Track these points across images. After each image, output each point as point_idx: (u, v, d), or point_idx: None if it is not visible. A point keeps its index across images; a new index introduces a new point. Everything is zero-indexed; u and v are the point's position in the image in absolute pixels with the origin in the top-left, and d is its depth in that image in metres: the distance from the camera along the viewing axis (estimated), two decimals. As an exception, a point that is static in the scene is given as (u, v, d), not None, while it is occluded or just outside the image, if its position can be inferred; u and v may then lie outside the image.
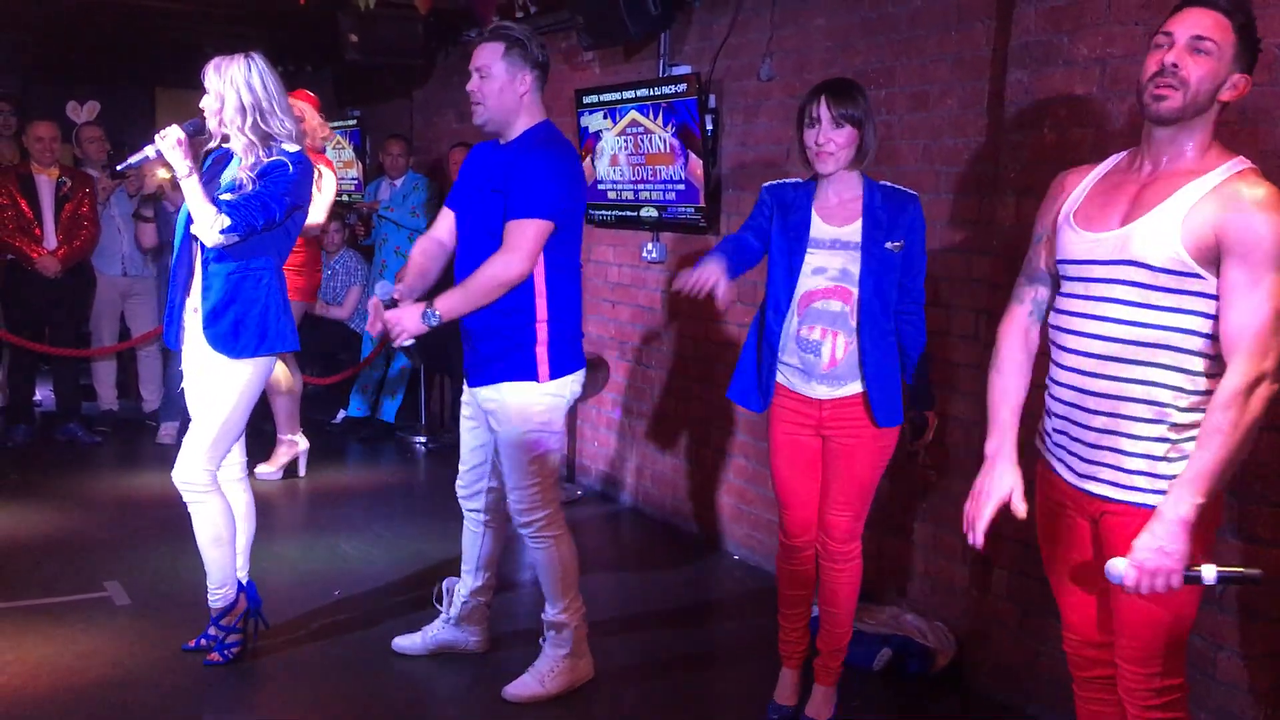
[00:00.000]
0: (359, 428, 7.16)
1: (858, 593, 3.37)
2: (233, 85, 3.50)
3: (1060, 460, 2.41)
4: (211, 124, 3.56)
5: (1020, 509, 2.46)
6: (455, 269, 3.49)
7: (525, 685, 3.53)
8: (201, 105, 3.57)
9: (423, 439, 7.07)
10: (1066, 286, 2.37)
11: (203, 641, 3.79)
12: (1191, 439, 2.19)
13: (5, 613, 4.08)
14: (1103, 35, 3.28)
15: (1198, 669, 3.09)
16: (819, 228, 3.19)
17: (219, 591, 3.72)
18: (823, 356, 3.15)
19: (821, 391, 3.19)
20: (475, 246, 3.37)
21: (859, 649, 3.84)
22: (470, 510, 3.73)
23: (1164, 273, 2.17)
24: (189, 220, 3.53)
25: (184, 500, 3.66)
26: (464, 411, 3.64)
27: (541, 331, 3.32)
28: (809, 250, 3.17)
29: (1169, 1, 3.11)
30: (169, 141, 3.48)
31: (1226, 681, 3.03)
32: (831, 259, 3.15)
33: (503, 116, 3.34)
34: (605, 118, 5.59)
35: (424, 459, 6.83)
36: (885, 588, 4.27)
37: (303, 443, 6.07)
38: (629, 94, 5.40)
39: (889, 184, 3.25)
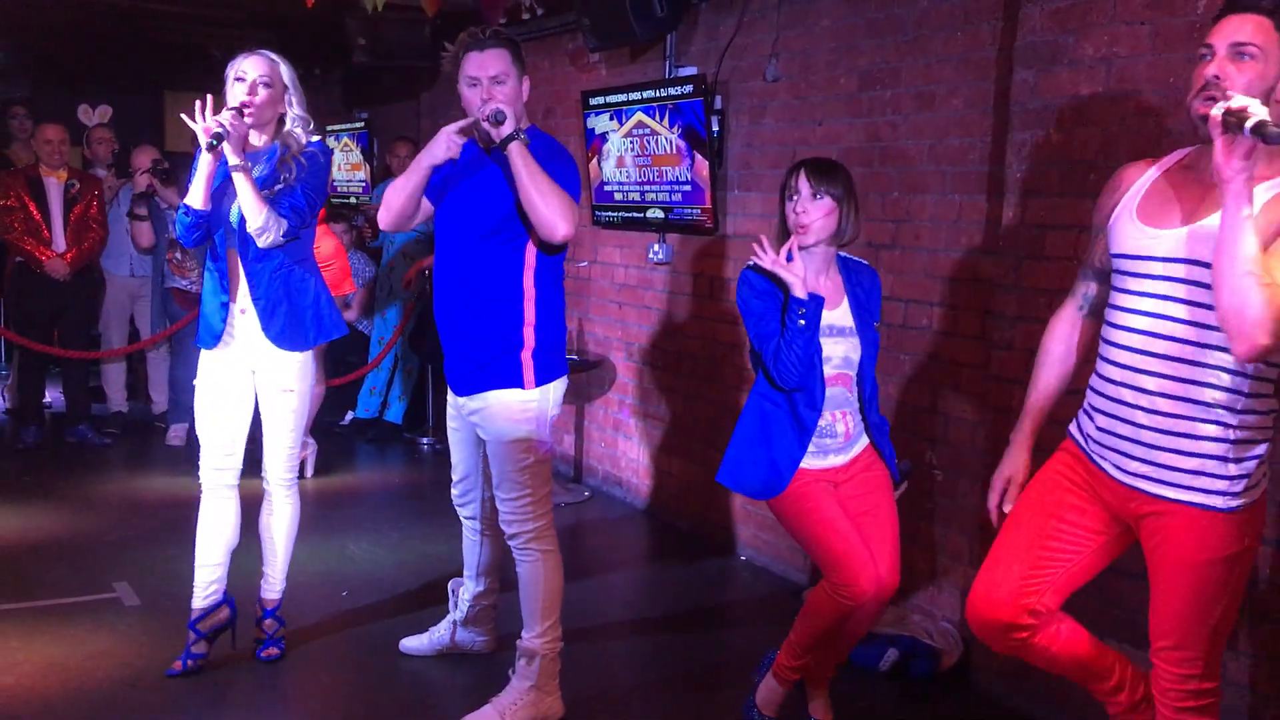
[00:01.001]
0: (366, 429, 7.18)
1: None
2: (284, 68, 3.53)
3: (1106, 458, 2.39)
4: (256, 119, 3.47)
5: (1006, 506, 2.53)
6: (436, 270, 3.41)
7: (485, 717, 3.33)
8: (239, 95, 3.45)
9: (430, 440, 7.08)
10: (1121, 282, 2.36)
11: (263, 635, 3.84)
12: (1249, 440, 2.22)
13: (15, 613, 4.10)
14: (1108, 35, 3.28)
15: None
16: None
17: (281, 585, 3.84)
18: (838, 436, 3.14)
19: (835, 461, 3.16)
20: (464, 251, 3.28)
21: (865, 650, 3.84)
22: (467, 519, 3.71)
23: None
24: (226, 221, 3.49)
25: (272, 498, 3.75)
26: (450, 423, 3.58)
27: (529, 337, 3.26)
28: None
29: (1175, 1, 3.14)
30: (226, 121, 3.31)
31: (1235, 682, 3.03)
32: (835, 347, 3.09)
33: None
34: (611, 119, 5.60)
35: (431, 460, 6.84)
36: (892, 588, 4.26)
37: (311, 444, 6.09)
38: (635, 95, 5.41)
39: (848, 257, 3.21)
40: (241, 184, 3.36)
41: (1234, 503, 2.24)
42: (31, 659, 3.72)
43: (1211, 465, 2.23)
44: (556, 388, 3.34)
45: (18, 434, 6.70)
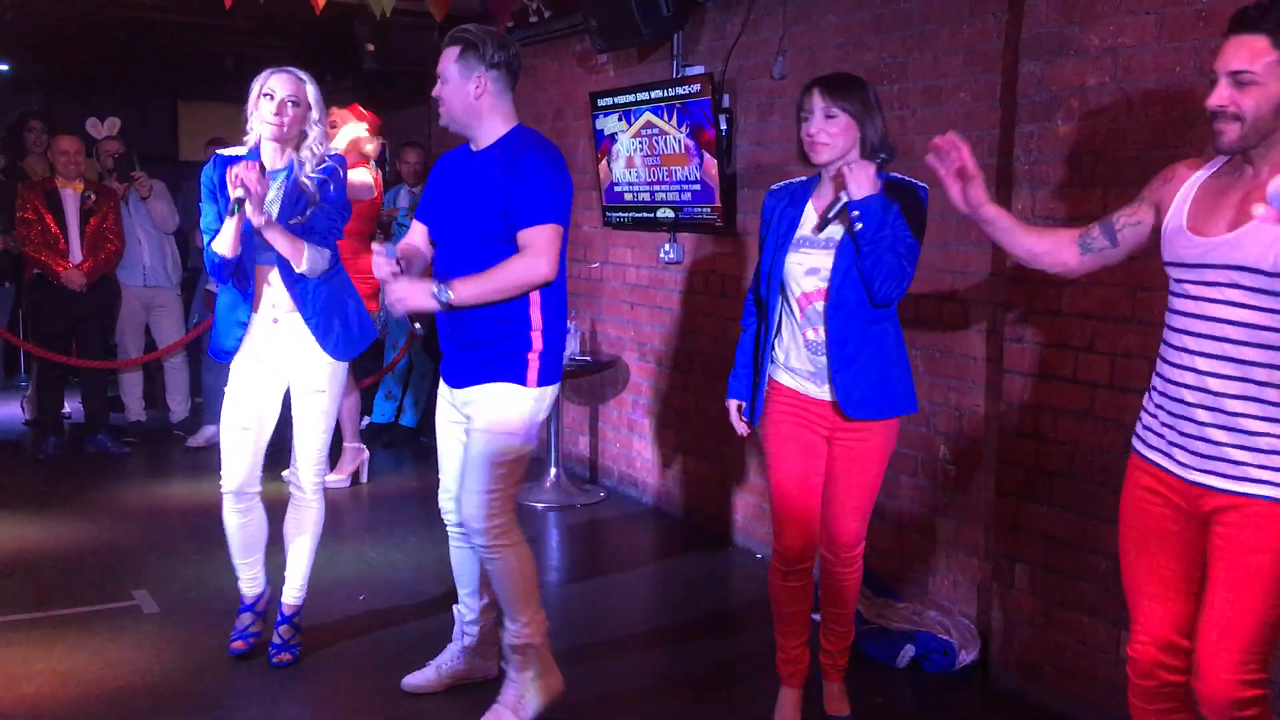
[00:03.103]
0: (382, 433, 7.20)
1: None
2: (310, 86, 3.59)
3: (1170, 456, 2.41)
4: (265, 129, 3.53)
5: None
6: (436, 270, 3.37)
7: (499, 717, 3.31)
8: (267, 112, 3.51)
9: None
10: (1179, 289, 2.40)
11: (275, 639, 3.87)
12: None
13: (35, 622, 4.13)
14: (1114, 25, 3.27)
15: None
16: (811, 226, 3.15)
17: (300, 592, 3.88)
18: (818, 354, 3.14)
19: (813, 390, 3.17)
20: (461, 255, 3.24)
21: (882, 646, 3.84)
22: (455, 525, 3.51)
23: (1276, 277, 2.22)
24: (248, 237, 3.50)
25: (301, 501, 3.82)
26: (441, 430, 3.48)
27: (537, 340, 3.24)
28: (803, 250, 3.13)
29: (1179, -11, 3.12)
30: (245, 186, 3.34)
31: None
32: (825, 259, 3.09)
33: (463, 119, 3.24)
34: (620, 120, 5.61)
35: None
36: (907, 584, 4.25)
37: (364, 451, 6.25)
38: (643, 95, 5.41)
39: (899, 175, 3.14)
40: (275, 238, 3.47)
41: None
42: (52, 667, 3.75)
43: (1275, 459, 2.26)
44: (551, 392, 3.33)
45: (38, 445, 6.76)
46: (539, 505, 5.87)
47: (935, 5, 4.07)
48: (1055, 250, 2.65)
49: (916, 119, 4.16)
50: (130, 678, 3.70)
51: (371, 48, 6.89)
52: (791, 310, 3.18)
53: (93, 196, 6.63)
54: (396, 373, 7.13)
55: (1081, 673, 3.43)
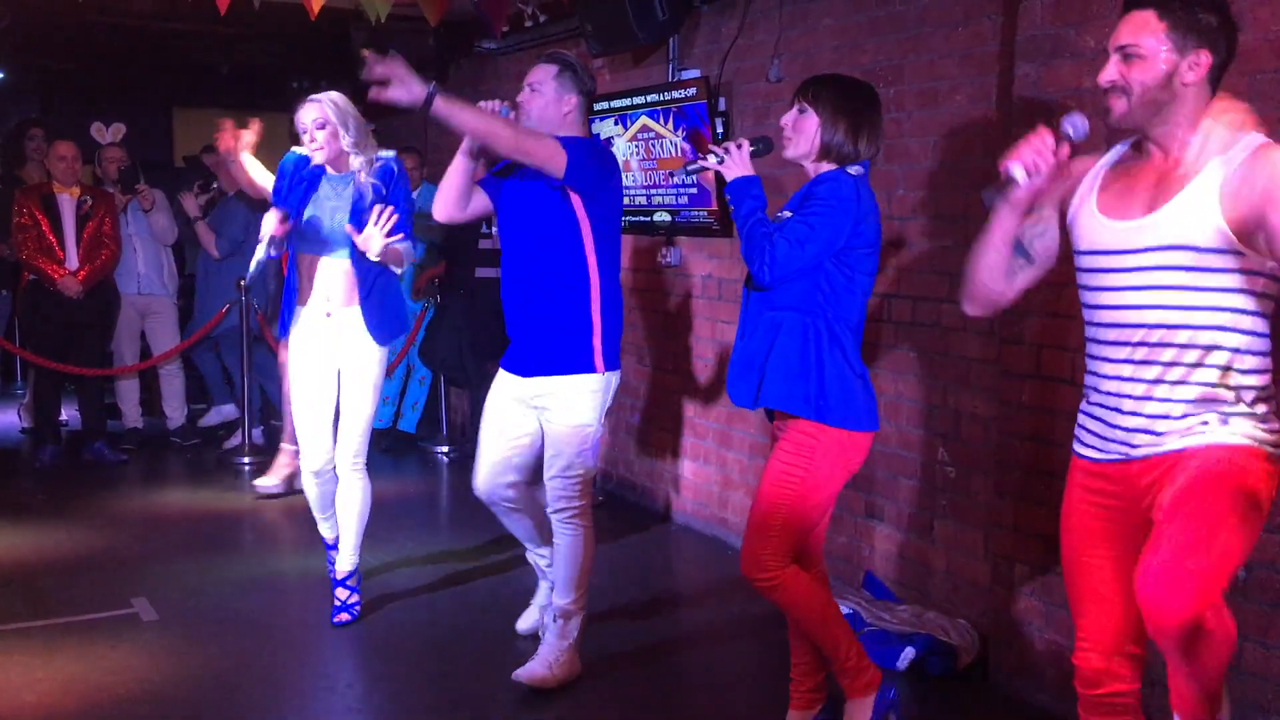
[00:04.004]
0: (380, 439, 7.15)
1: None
2: (329, 106, 4.05)
3: (1107, 445, 2.35)
4: (321, 152, 4.02)
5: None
6: (504, 259, 3.64)
7: (534, 671, 3.59)
8: (308, 145, 4.02)
9: (444, 449, 7.10)
10: (1094, 279, 2.35)
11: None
12: (1255, 399, 2.22)
13: (34, 631, 4.12)
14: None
15: (1223, 661, 3.07)
16: None
17: (353, 558, 4.22)
18: None
19: None
20: (533, 239, 3.52)
21: (883, 649, 3.83)
22: (503, 500, 3.73)
23: (1210, 252, 2.18)
24: (307, 231, 4.00)
25: (341, 476, 4.17)
26: (501, 402, 3.65)
27: (597, 322, 3.50)
28: None
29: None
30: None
31: (1251, 672, 3.01)
32: None
33: (545, 129, 3.50)
34: (616, 124, 5.61)
35: (446, 469, 6.86)
36: (907, 587, 4.26)
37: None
38: (639, 99, 5.42)
39: (843, 169, 3.04)
40: (385, 252, 3.90)
41: (1239, 440, 2.21)
42: (51, 676, 3.74)
43: (1215, 421, 2.23)
44: (616, 377, 3.61)
45: (35, 453, 6.75)
46: (538, 510, 5.86)
47: (931, 8, 4.08)
48: (995, 278, 2.49)
49: (913, 121, 4.17)
50: (130, 686, 3.69)
51: (367, 52, 6.88)
52: None
53: (89, 201, 6.62)
54: (394, 377, 7.13)
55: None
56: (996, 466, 3.74)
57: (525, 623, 4.07)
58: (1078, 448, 2.46)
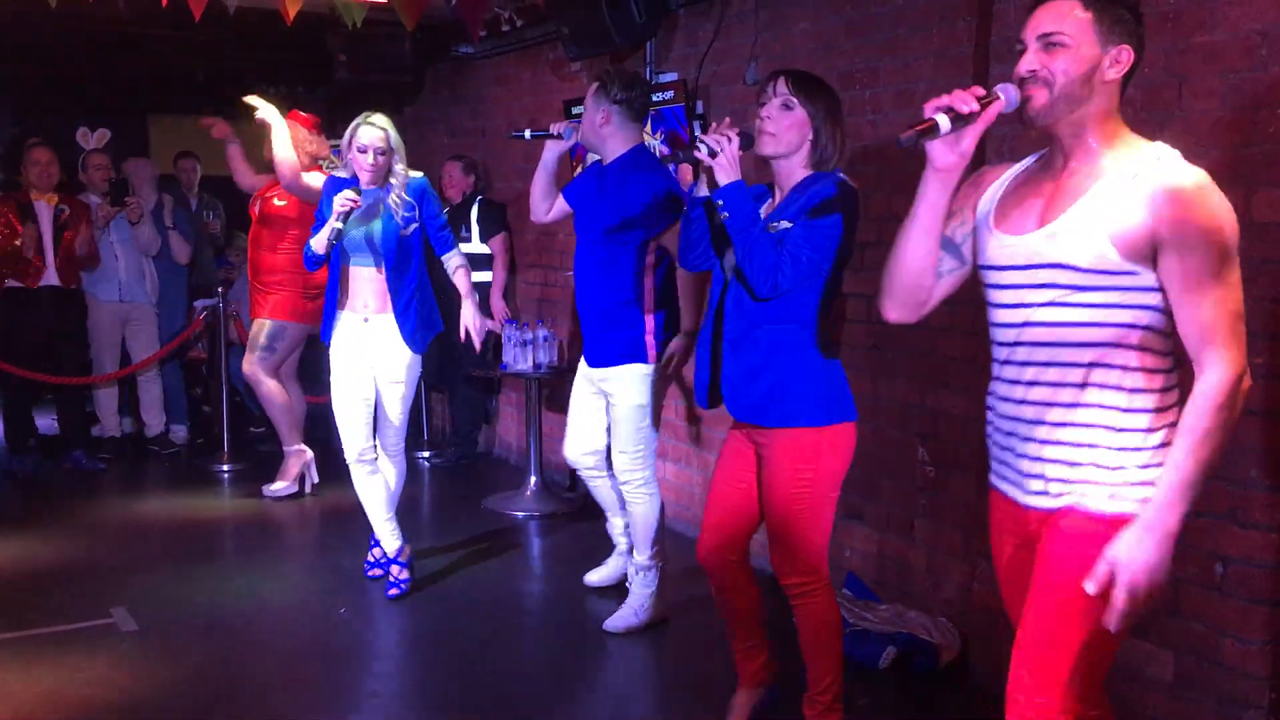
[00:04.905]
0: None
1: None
2: (392, 132, 4.39)
3: (1007, 479, 2.21)
4: (362, 175, 4.36)
5: None
6: (576, 261, 4.08)
7: (622, 618, 4.14)
8: (363, 164, 4.34)
9: (426, 454, 7.08)
10: (992, 295, 2.20)
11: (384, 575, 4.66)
12: (1139, 447, 2.03)
13: (12, 642, 4.09)
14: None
15: (1202, 656, 3.09)
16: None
17: (396, 535, 4.62)
18: None
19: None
20: (590, 242, 4.02)
21: (864, 647, 3.85)
22: (586, 471, 4.35)
23: (1092, 273, 2.01)
24: (354, 241, 4.33)
25: (381, 462, 4.57)
26: (582, 385, 4.23)
27: (649, 321, 4.00)
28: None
29: (1145, -9, 3.14)
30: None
31: (1231, 667, 3.03)
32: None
33: (591, 139, 4.06)
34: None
35: (428, 474, 6.84)
36: (888, 586, 4.27)
37: (308, 452, 6.14)
38: (617, 103, 5.41)
39: (839, 175, 3.01)
40: (468, 294, 4.53)
41: (1117, 507, 2.03)
42: (29, 688, 3.70)
43: (1104, 475, 2.04)
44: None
45: (11, 463, 6.69)
46: (519, 514, 5.86)
47: (906, 11, 4.09)
48: (923, 270, 2.28)
49: (889, 123, 4.18)
50: (110, 696, 3.66)
51: (343, 57, 6.86)
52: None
53: (66, 210, 6.58)
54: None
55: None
56: (977, 465, 3.75)
57: (595, 576, 4.67)
58: (990, 476, 2.30)
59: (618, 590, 4.51)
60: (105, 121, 7.44)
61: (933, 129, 2.04)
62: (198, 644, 4.05)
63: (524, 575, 5.12)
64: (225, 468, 6.70)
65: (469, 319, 4.46)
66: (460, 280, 4.53)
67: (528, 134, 4.22)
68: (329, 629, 4.26)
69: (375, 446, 4.57)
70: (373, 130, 4.35)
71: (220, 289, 6.96)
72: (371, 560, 4.76)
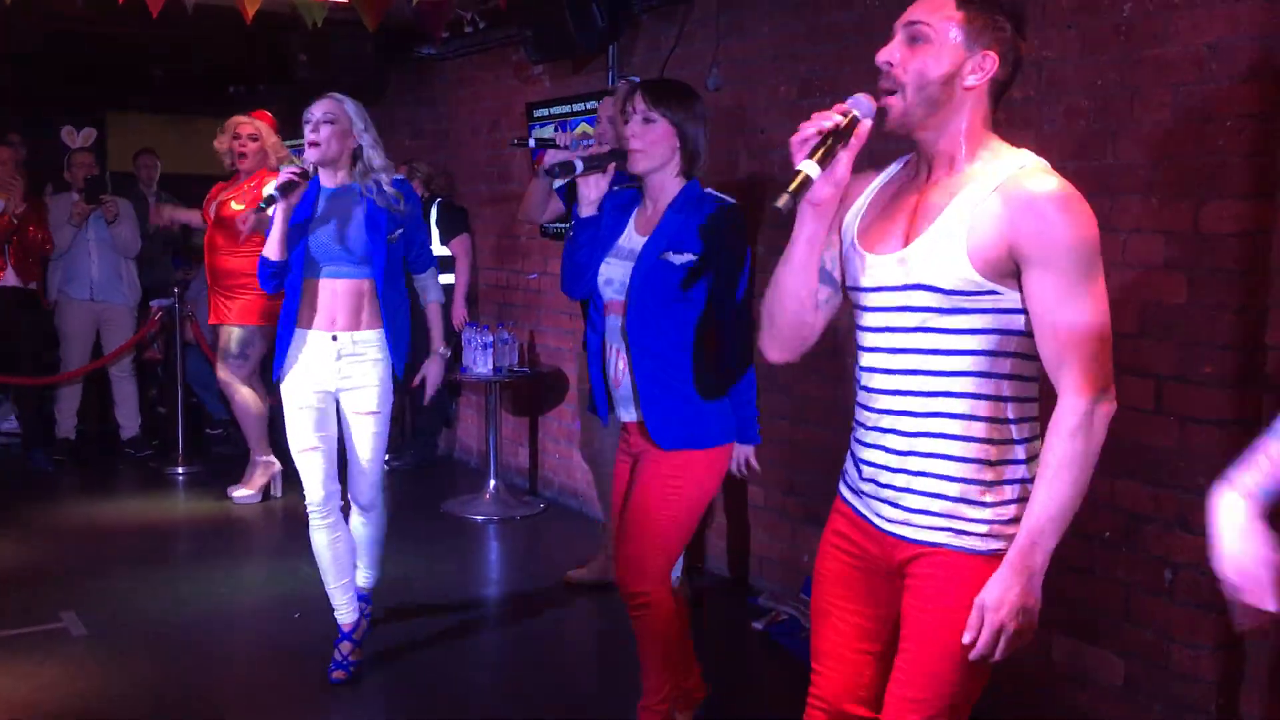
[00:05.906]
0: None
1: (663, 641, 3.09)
2: (350, 104, 3.71)
3: (863, 498, 2.07)
4: (309, 152, 3.65)
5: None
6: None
7: None
8: (314, 130, 3.64)
9: (386, 457, 7.01)
10: (860, 318, 2.05)
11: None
12: (1012, 478, 1.92)
13: (-41, 647, 4.03)
14: (1038, 38, 3.32)
15: (1152, 661, 3.13)
16: (628, 236, 2.99)
17: (352, 607, 3.85)
18: (617, 374, 2.97)
19: (624, 415, 3.01)
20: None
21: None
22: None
23: (956, 294, 1.88)
24: (318, 246, 3.59)
25: (353, 520, 3.86)
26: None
27: None
28: (606, 259, 2.99)
29: (1100, 4, 3.19)
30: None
31: (1180, 673, 3.07)
32: (619, 270, 2.94)
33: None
34: (556, 130, 5.60)
35: (389, 480, 6.78)
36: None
37: (275, 464, 6.08)
38: (579, 106, 5.42)
39: (713, 192, 2.96)
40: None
41: (993, 545, 1.91)
42: (-24, 693, 3.66)
43: (973, 509, 1.92)
44: None
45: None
46: (478, 518, 5.83)
47: (868, 18, 4.12)
48: (804, 306, 2.08)
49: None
50: (60, 701, 3.61)
51: (303, 58, 6.81)
52: (604, 322, 3.03)
53: (23, 206, 6.48)
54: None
55: (1029, 687, 3.47)
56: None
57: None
58: (840, 486, 2.17)
59: (586, 590, 4.51)
60: (62, 120, 7.36)
61: (805, 182, 1.86)
62: (148, 650, 4.00)
63: (483, 579, 5.11)
64: (180, 470, 6.63)
65: (431, 374, 3.98)
66: (433, 316, 3.98)
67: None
68: (283, 633, 4.22)
69: (342, 496, 3.77)
70: (320, 100, 3.70)
71: (176, 289, 6.87)
72: (336, 660, 3.82)
